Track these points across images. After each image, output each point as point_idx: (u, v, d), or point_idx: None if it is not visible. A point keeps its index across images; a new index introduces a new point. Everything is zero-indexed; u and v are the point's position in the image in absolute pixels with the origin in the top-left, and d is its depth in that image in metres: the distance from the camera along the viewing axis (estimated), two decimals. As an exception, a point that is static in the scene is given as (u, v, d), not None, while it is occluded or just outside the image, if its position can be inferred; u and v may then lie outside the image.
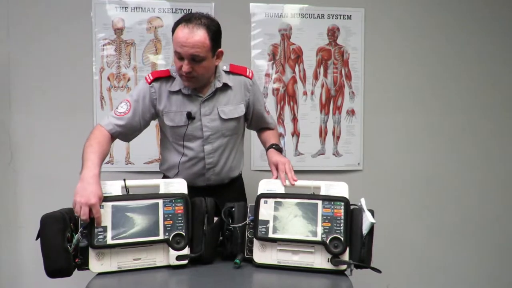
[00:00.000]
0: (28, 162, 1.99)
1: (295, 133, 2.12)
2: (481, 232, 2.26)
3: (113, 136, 1.37)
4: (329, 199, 1.21)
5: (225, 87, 1.43)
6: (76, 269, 1.11)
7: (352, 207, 1.21)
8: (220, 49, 1.36)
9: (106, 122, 1.36)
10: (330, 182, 1.27)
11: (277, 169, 1.36)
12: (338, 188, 1.25)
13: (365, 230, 1.17)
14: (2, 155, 1.97)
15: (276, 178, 1.35)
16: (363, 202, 1.23)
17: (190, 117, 1.38)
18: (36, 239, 1.08)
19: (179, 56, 1.28)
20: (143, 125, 1.42)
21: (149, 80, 1.40)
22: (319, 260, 1.18)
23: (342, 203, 1.19)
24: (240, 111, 1.47)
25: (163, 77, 1.40)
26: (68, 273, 1.08)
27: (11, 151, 1.97)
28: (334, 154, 2.14)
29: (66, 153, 1.99)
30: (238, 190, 1.64)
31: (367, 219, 1.17)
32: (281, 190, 1.29)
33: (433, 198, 2.22)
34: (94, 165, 1.18)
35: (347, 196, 1.22)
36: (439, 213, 2.23)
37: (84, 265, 1.13)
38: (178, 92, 1.40)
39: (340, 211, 1.19)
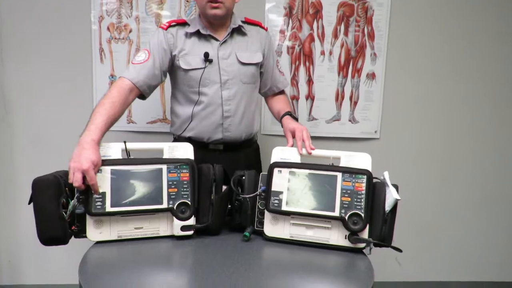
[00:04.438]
0: (23, 117, 1.89)
1: (310, 97, 1.98)
2: (497, 209, 2.16)
3: (138, 88, 1.28)
4: (350, 172, 1.10)
5: (242, 33, 1.43)
6: (73, 237, 1.04)
7: (374, 180, 1.11)
8: None
9: (127, 73, 1.29)
10: (351, 152, 1.17)
11: (293, 136, 1.27)
12: (360, 159, 1.14)
13: (388, 206, 1.07)
14: (-4, 110, 1.87)
15: (292, 146, 1.25)
16: (386, 175, 1.13)
17: (207, 58, 1.34)
18: (29, 203, 0.99)
19: None
20: (163, 75, 1.37)
21: (165, 27, 1.38)
22: (336, 236, 1.10)
23: (365, 177, 1.09)
24: (258, 58, 1.43)
25: (179, 23, 1.40)
26: (63, 241, 1.00)
27: (5, 106, 1.86)
28: (350, 121, 2.00)
29: (64, 108, 1.88)
30: (254, 155, 1.57)
31: (391, 194, 1.07)
32: (297, 159, 1.18)
33: (451, 172, 2.12)
34: (97, 129, 1.08)
35: (370, 169, 1.12)
36: (456, 187, 2.13)
37: (81, 233, 1.05)
38: (195, 34, 1.38)
39: (362, 185, 1.09)
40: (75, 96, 1.88)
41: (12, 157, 1.91)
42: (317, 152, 1.20)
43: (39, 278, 2.00)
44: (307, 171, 1.12)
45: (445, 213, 2.15)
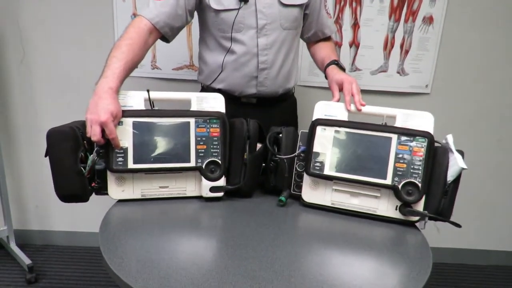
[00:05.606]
0: (42, 58, 1.77)
1: (354, 43, 1.74)
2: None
3: (158, 30, 1.12)
4: (408, 134, 0.94)
5: None
6: (94, 194, 0.95)
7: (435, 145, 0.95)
8: None
9: (147, 11, 1.12)
10: (410, 111, 0.99)
11: (340, 89, 1.10)
12: (420, 119, 0.97)
13: (450, 176, 0.92)
14: (13, 51, 1.76)
15: (338, 100, 1.09)
16: (450, 139, 0.96)
17: None
18: (45, 156, 0.90)
19: None
20: (188, 15, 1.19)
21: None
22: (385, 207, 0.97)
23: (425, 140, 0.93)
24: None
25: None
26: (83, 198, 0.92)
27: (22, 46, 1.74)
28: (398, 72, 1.77)
29: (84, 49, 1.75)
30: (290, 110, 1.40)
31: (456, 162, 0.92)
32: (344, 116, 1.02)
33: (509, 135, 1.89)
34: (114, 76, 0.94)
35: (431, 131, 0.95)
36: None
37: (102, 190, 0.96)
38: None
39: (421, 150, 0.93)
40: (95, 37, 1.73)
41: (34, 101, 1.83)
42: (368, 109, 1.03)
43: (66, 224, 2.01)
44: (356, 131, 0.97)
45: (495, 179, 1.96)
